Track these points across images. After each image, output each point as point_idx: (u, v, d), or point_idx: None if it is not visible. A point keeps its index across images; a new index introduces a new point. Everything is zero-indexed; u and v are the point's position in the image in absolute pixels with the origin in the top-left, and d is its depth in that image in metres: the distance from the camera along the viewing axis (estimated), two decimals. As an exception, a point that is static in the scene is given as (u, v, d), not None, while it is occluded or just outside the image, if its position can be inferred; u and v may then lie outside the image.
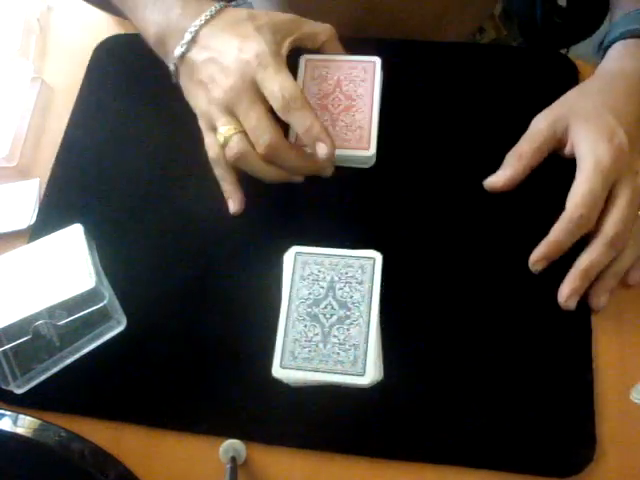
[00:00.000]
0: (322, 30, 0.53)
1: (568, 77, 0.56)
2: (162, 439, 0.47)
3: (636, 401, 0.45)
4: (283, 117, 0.48)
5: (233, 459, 0.44)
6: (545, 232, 0.48)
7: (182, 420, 0.47)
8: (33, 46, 0.65)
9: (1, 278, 0.48)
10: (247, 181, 0.52)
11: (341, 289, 0.46)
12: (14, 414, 0.48)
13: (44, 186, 0.57)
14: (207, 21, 0.51)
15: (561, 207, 0.47)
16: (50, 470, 0.46)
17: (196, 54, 0.51)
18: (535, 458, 0.43)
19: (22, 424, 0.47)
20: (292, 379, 0.45)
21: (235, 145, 0.48)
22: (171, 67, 0.53)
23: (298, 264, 0.48)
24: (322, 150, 0.48)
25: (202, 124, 0.52)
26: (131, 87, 0.61)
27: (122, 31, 0.65)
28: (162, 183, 0.56)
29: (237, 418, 0.46)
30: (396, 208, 0.52)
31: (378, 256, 0.47)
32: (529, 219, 0.51)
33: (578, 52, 0.72)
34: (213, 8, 0.51)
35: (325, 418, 0.46)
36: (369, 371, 0.43)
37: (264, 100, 0.48)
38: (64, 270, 0.47)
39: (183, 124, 0.55)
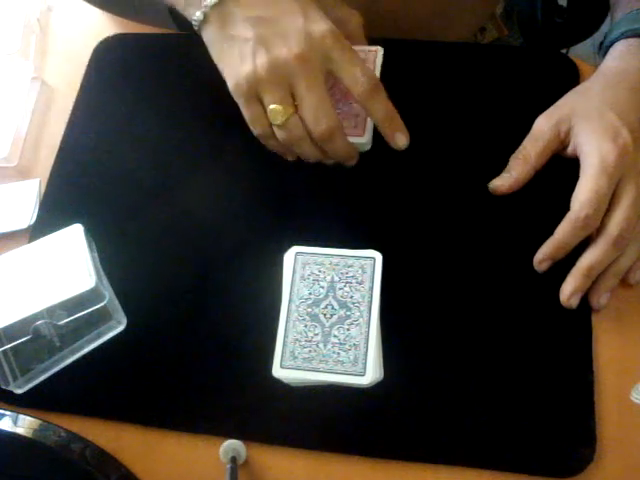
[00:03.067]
0: (350, 17, 0.50)
1: (568, 77, 0.56)
2: (162, 439, 0.47)
3: (636, 401, 0.45)
4: (362, 102, 0.46)
5: (233, 459, 0.44)
6: (547, 232, 0.48)
7: (182, 420, 0.47)
8: (33, 46, 0.65)
9: (1, 278, 0.48)
10: (247, 181, 0.52)
11: (341, 289, 0.46)
12: (14, 414, 0.48)
13: (44, 186, 0.57)
14: None
15: (564, 207, 0.47)
16: (50, 470, 0.46)
17: (240, 6, 0.45)
18: (535, 458, 0.43)
19: (22, 424, 0.47)
20: (292, 379, 0.45)
21: (294, 129, 0.45)
22: (197, 14, 0.47)
23: (298, 264, 0.48)
24: (401, 141, 0.47)
25: (238, 89, 0.46)
26: (131, 87, 0.61)
27: (122, 31, 0.65)
28: (162, 183, 0.56)
29: (237, 418, 0.46)
30: (396, 208, 0.52)
31: (378, 256, 0.47)
32: (530, 219, 0.51)
33: (578, 52, 0.72)
34: None
35: (325, 418, 0.46)
36: (369, 371, 0.43)
37: (326, 81, 0.45)
38: (64, 270, 0.47)
39: (183, 124, 0.55)
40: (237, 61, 0.45)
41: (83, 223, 0.50)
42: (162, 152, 0.57)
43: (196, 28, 0.49)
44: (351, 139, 0.50)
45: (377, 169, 0.54)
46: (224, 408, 0.47)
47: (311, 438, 0.45)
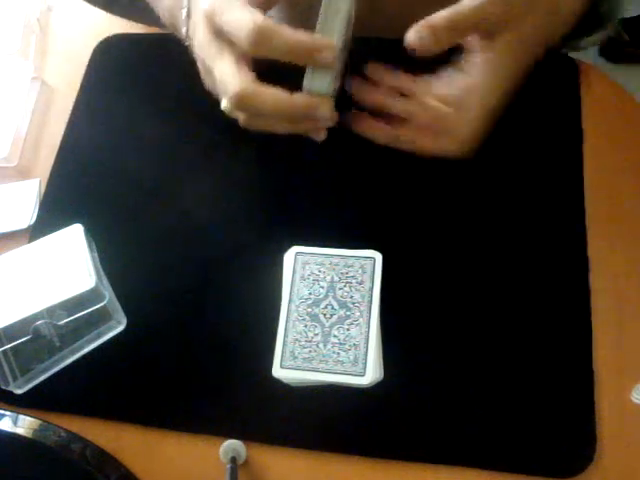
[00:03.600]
0: None
1: (568, 77, 0.56)
2: (162, 439, 0.47)
3: (636, 401, 0.45)
4: (256, 54, 0.42)
5: (233, 459, 0.44)
6: (548, 232, 0.48)
7: (182, 420, 0.47)
8: (33, 46, 0.65)
9: (1, 278, 0.48)
10: (247, 181, 0.52)
11: (341, 289, 0.46)
12: (14, 414, 0.48)
13: (44, 186, 0.57)
14: None
15: (564, 208, 0.47)
16: (50, 470, 0.46)
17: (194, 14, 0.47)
18: (535, 458, 0.43)
19: (22, 424, 0.47)
20: (292, 379, 0.45)
21: (230, 111, 0.45)
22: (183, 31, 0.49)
23: (298, 264, 0.48)
24: (326, 58, 0.41)
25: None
26: (131, 87, 0.61)
27: (122, 31, 0.65)
28: (162, 183, 0.56)
29: (237, 418, 0.46)
30: (396, 208, 0.52)
31: (378, 256, 0.47)
32: (530, 220, 0.51)
33: (578, 52, 0.72)
34: None
35: (325, 418, 0.46)
36: (369, 371, 0.43)
37: (232, 45, 0.43)
38: (64, 270, 0.47)
39: (183, 124, 0.55)
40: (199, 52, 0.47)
41: (83, 223, 0.50)
42: (162, 152, 0.57)
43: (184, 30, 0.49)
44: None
45: (377, 169, 0.54)
46: (224, 408, 0.47)
47: (311, 438, 0.45)
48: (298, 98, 0.43)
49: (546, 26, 0.49)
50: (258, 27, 0.40)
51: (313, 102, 0.44)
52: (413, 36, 0.43)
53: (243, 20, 0.41)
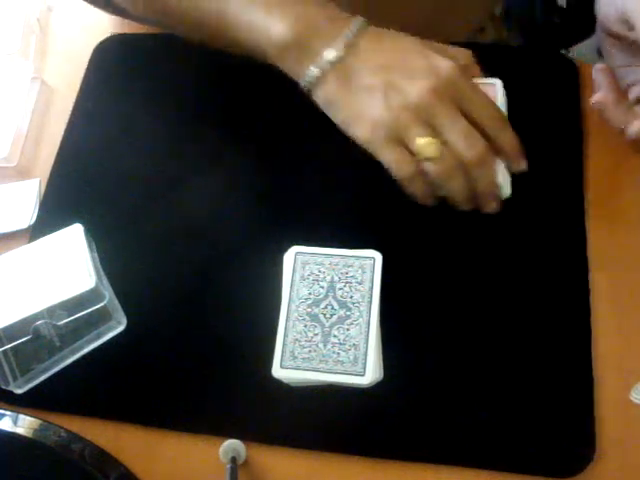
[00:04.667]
0: (460, 54, 0.48)
1: (568, 77, 0.57)
2: (162, 439, 0.47)
3: (636, 401, 0.45)
4: (493, 134, 0.45)
5: (233, 459, 0.44)
6: (548, 232, 0.48)
7: (182, 420, 0.47)
8: (33, 46, 0.65)
9: (1, 278, 0.48)
10: (247, 181, 0.52)
11: (341, 289, 0.46)
12: (14, 414, 0.47)
13: (44, 186, 0.57)
14: (363, 26, 0.45)
15: (565, 209, 0.47)
16: (50, 470, 0.46)
17: (361, 60, 0.44)
18: (535, 458, 0.43)
19: (22, 424, 0.47)
20: (292, 379, 0.45)
21: (447, 158, 0.43)
22: (313, 70, 0.44)
23: (298, 264, 0.48)
24: (523, 166, 0.46)
25: (375, 136, 0.44)
26: (131, 87, 0.61)
27: (122, 31, 0.65)
28: (162, 183, 0.56)
29: (237, 418, 0.46)
30: (396, 208, 0.52)
31: (378, 256, 0.47)
32: (530, 219, 0.51)
33: (578, 52, 0.72)
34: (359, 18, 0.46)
35: (325, 418, 0.46)
36: (369, 371, 0.43)
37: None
38: (64, 270, 0.47)
39: (183, 124, 0.55)
40: (368, 110, 0.44)
41: (83, 223, 0.50)
42: (162, 152, 0.57)
43: (304, 84, 0.45)
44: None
45: (376, 169, 0.54)
46: (224, 408, 0.47)
47: (311, 438, 0.45)
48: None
49: None
50: (504, 115, 0.46)
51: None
52: None
53: (492, 102, 0.46)
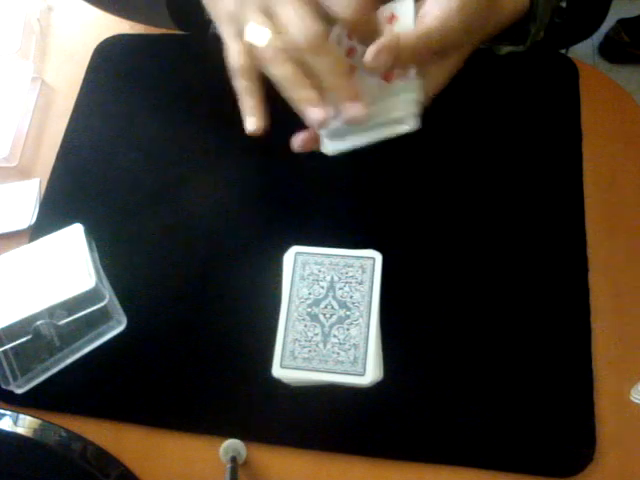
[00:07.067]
0: None
1: (568, 77, 0.57)
2: (162, 439, 0.47)
3: (636, 401, 0.45)
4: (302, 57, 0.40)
5: (234, 459, 0.44)
6: (548, 231, 0.48)
7: (182, 420, 0.47)
8: (33, 46, 0.65)
9: (1, 278, 0.48)
10: (247, 181, 0.52)
11: (341, 289, 0.46)
12: (14, 414, 0.48)
13: (44, 186, 0.57)
14: None
15: (564, 208, 0.47)
16: (50, 470, 0.46)
17: None
18: (535, 458, 0.43)
19: (22, 424, 0.47)
20: (292, 379, 0.45)
21: (278, 43, 0.41)
22: None
23: (298, 264, 0.48)
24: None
25: (226, 31, 0.44)
26: (131, 87, 0.61)
27: (122, 31, 0.65)
28: (162, 183, 0.56)
29: (237, 418, 0.46)
30: (396, 208, 0.52)
31: (378, 256, 0.47)
32: (530, 220, 0.51)
33: (578, 52, 0.72)
34: None
35: (325, 418, 0.46)
36: (369, 371, 0.43)
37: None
38: (64, 270, 0.48)
39: (183, 124, 0.55)
40: (226, 3, 0.44)
41: (83, 223, 0.50)
42: (162, 152, 0.57)
43: None
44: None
45: (376, 169, 0.54)
46: (224, 408, 0.47)
47: (311, 438, 0.45)
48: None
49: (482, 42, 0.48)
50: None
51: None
52: (372, 58, 0.40)
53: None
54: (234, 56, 0.44)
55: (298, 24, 0.40)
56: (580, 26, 0.75)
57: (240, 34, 0.43)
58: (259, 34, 0.41)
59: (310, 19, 0.40)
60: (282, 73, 0.41)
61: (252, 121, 0.45)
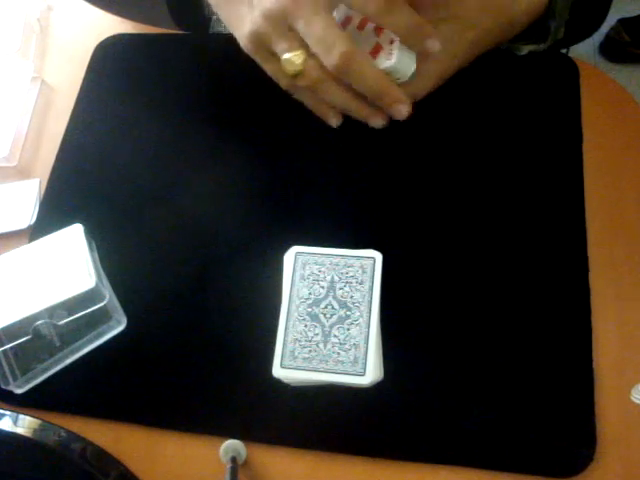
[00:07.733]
0: None
1: (569, 76, 0.56)
2: (162, 439, 0.47)
3: (636, 401, 0.45)
4: (379, 20, 0.40)
5: (234, 459, 0.44)
6: (547, 231, 0.48)
7: (182, 420, 0.47)
8: (33, 46, 0.65)
9: (1, 278, 0.48)
10: (247, 181, 0.52)
11: (341, 289, 0.46)
12: (14, 414, 0.48)
13: (44, 186, 0.57)
14: None
15: (564, 208, 0.47)
16: (50, 470, 0.46)
17: None
18: (535, 458, 0.43)
19: (22, 424, 0.47)
20: (292, 379, 0.45)
21: (311, 71, 0.41)
22: None
23: (298, 264, 0.48)
24: (435, 46, 0.40)
25: (250, 49, 0.44)
26: (131, 87, 0.61)
27: (122, 31, 0.65)
28: (162, 183, 0.56)
29: (237, 418, 0.46)
30: (397, 208, 0.52)
31: (378, 256, 0.47)
32: (530, 220, 0.51)
33: (578, 52, 0.72)
34: None
35: (325, 418, 0.46)
36: (369, 371, 0.43)
37: (328, 9, 0.40)
38: (64, 270, 0.48)
39: (183, 124, 0.55)
40: (239, 22, 0.44)
41: (83, 223, 0.50)
42: (162, 152, 0.57)
43: (206, 13, 0.48)
44: (382, 65, 0.43)
45: (377, 169, 0.54)
46: (224, 408, 0.47)
47: (311, 438, 0.45)
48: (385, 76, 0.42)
49: (497, 31, 0.48)
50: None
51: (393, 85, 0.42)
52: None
53: None
54: (276, 77, 0.45)
55: (323, 44, 0.40)
56: (581, 25, 0.75)
57: (271, 55, 0.43)
58: (294, 63, 0.42)
59: (334, 36, 0.40)
60: (332, 96, 0.43)
61: (333, 121, 0.46)
